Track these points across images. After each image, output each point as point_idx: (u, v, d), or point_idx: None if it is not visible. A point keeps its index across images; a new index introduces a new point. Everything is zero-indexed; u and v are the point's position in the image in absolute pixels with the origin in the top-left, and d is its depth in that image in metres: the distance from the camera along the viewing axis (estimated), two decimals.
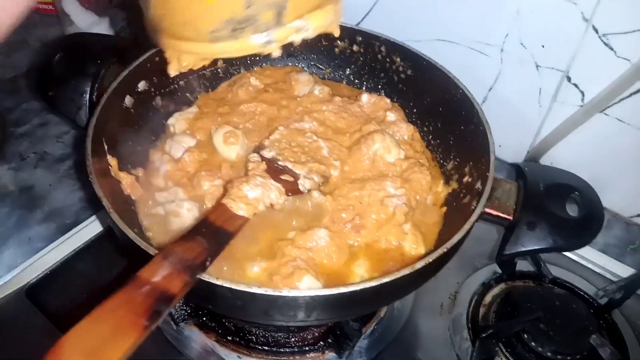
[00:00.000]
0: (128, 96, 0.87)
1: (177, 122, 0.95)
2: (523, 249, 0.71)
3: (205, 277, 0.57)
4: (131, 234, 0.63)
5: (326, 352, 0.86)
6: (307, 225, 0.79)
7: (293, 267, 0.72)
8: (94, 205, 1.07)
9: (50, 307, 0.90)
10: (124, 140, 0.84)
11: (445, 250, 0.64)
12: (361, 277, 0.75)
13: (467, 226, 0.66)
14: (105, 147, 0.78)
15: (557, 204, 0.73)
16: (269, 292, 0.58)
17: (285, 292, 0.58)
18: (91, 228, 1.02)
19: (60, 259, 0.97)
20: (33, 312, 0.89)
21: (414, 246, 0.78)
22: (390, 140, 0.88)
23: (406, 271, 0.60)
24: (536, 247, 0.71)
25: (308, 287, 0.70)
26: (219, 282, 0.58)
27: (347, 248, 0.78)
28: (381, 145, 0.87)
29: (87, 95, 0.86)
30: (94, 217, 1.04)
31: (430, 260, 0.62)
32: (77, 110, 0.86)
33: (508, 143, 1.08)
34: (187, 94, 1.00)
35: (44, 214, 1.06)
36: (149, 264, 0.55)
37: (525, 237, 0.71)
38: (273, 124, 0.93)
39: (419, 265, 0.61)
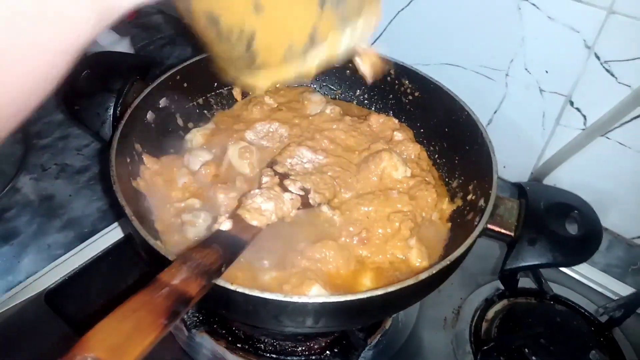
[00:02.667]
0: (150, 112, 0.91)
1: (195, 137, 0.99)
2: (524, 263, 0.74)
3: (220, 282, 0.61)
4: (151, 241, 0.66)
5: None
6: (316, 237, 0.82)
7: (302, 277, 0.75)
8: (111, 215, 1.11)
9: (68, 312, 0.93)
10: (145, 152, 0.89)
11: (448, 262, 0.67)
12: (367, 287, 0.78)
13: (469, 241, 0.70)
14: (128, 159, 0.83)
15: (557, 221, 0.76)
16: (280, 297, 0.61)
17: (295, 298, 0.61)
18: (108, 237, 1.07)
19: (78, 266, 1.01)
20: (51, 317, 0.93)
21: (418, 260, 0.81)
22: (397, 159, 0.92)
23: (410, 281, 0.63)
24: (536, 263, 0.74)
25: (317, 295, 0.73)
26: (233, 288, 0.61)
27: (354, 260, 0.81)
28: (388, 164, 0.91)
29: (112, 110, 0.91)
30: (111, 226, 1.09)
31: (434, 271, 0.65)
32: (101, 124, 0.90)
33: (512, 164, 1.11)
34: (205, 111, 1.04)
35: (63, 223, 1.10)
36: (169, 268, 0.58)
37: (526, 253, 0.74)
38: (285, 141, 0.97)
39: (423, 276, 0.64)
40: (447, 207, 0.92)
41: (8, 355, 0.87)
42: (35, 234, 1.08)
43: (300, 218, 0.84)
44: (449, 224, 0.89)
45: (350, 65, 1.04)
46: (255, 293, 0.61)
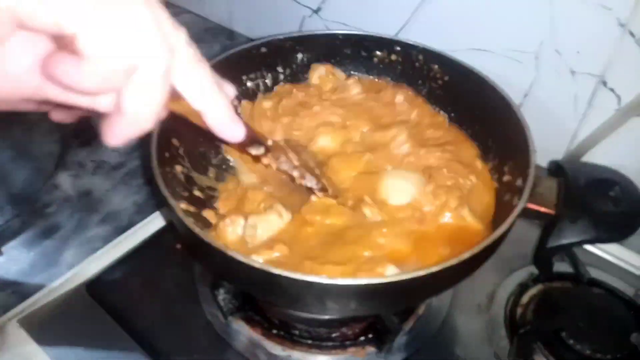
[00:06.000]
0: None
1: None
2: (565, 241, 0.73)
3: (264, 266, 0.62)
4: (196, 229, 0.67)
5: (366, 347, 0.89)
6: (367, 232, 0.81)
7: (372, 263, 0.75)
8: (147, 208, 1.14)
9: (109, 302, 0.96)
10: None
11: (491, 241, 0.67)
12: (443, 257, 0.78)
13: (510, 219, 0.69)
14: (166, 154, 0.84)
15: (598, 198, 0.75)
16: (325, 280, 0.61)
17: (340, 281, 0.61)
18: (144, 230, 1.10)
19: (117, 257, 1.04)
20: (93, 307, 0.96)
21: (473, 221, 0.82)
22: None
23: (453, 261, 0.63)
24: (578, 240, 0.73)
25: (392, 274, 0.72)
26: (277, 272, 0.61)
27: (413, 236, 0.81)
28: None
29: None
30: (146, 219, 1.12)
31: (477, 251, 0.65)
32: None
33: (544, 148, 1.08)
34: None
35: (102, 217, 1.14)
36: None
37: (568, 231, 0.73)
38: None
39: (466, 255, 0.64)
40: None
41: (52, 344, 0.90)
42: (75, 228, 1.11)
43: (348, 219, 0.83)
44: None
45: (378, 53, 1.06)
46: (299, 276, 0.61)
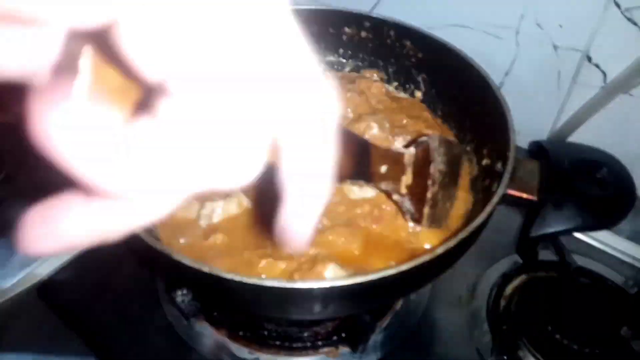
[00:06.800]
0: None
1: None
2: (550, 230, 0.67)
3: (215, 271, 0.55)
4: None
5: (340, 347, 0.83)
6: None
7: (314, 262, 0.69)
8: None
9: (60, 305, 0.89)
10: None
11: (467, 234, 0.60)
12: (379, 266, 0.71)
13: (488, 208, 0.62)
14: None
15: (584, 181, 0.69)
16: (283, 284, 0.55)
17: (299, 284, 0.55)
18: None
19: (72, 257, 0.96)
20: (44, 311, 0.89)
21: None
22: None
23: (426, 257, 0.57)
24: (564, 228, 0.67)
25: (334, 275, 0.67)
26: (229, 277, 0.54)
27: (363, 235, 0.75)
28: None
29: None
30: None
31: (452, 245, 0.58)
32: None
33: (526, 129, 1.03)
34: None
35: None
36: None
37: (552, 218, 0.67)
38: None
39: (440, 250, 0.58)
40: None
41: (2, 348, 0.83)
42: None
43: None
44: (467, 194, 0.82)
45: (347, 30, 0.98)
46: (254, 281, 0.54)
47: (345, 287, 0.55)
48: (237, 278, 0.54)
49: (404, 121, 0.91)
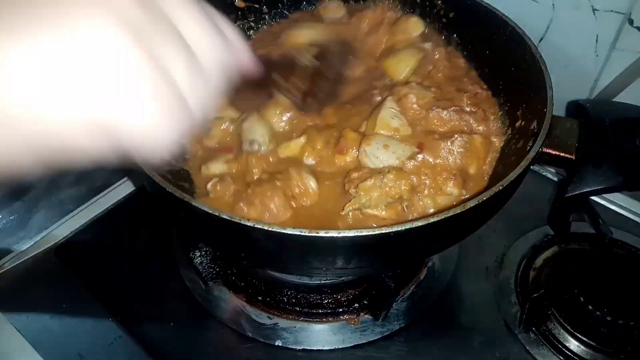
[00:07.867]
0: None
1: None
2: (588, 188, 0.63)
3: (236, 219, 0.52)
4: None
5: (361, 314, 0.80)
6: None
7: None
8: (122, 170, 1.05)
9: (79, 266, 0.88)
10: None
11: (500, 187, 0.56)
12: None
13: (524, 163, 0.59)
14: None
15: (625, 139, 0.64)
16: (306, 233, 0.52)
17: (322, 233, 0.52)
18: (120, 190, 1.01)
19: (90, 219, 0.95)
20: (62, 271, 0.88)
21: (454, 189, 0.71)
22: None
23: (457, 210, 0.54)
24: (602, 187, 0.63)
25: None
26: (251, 224, 0.52)
27: None
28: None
29: None
30: (122, 180, 1.03)
31: (484, 198, 0.55)
32: None
33: (562, 98, 0.99)
34: None
35: (75, 177, 1.04)
36: None
37: (590, 177, 0.64)
38: None
39: (471, 204, 0.54)
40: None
41: (19, 309, 0.82)
42: (47, 189, 1.02)
43: None
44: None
45: None
46: (277, 229, 0.52)
47: (370, 236, 0.52)
48: (260, 225, 0.51)
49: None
